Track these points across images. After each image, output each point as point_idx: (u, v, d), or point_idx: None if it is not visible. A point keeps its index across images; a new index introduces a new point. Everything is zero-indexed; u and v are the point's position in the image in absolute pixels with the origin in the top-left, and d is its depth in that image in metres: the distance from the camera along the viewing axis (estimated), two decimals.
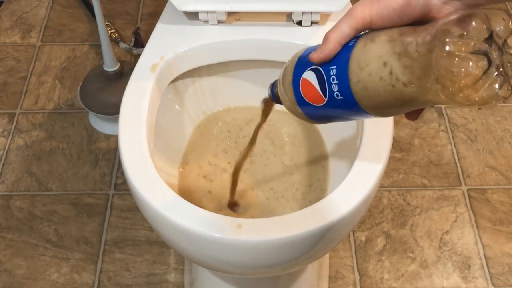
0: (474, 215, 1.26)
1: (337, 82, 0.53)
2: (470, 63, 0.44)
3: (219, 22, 1.00)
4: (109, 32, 1.57)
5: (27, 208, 1.28)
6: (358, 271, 1.18)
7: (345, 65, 0.52)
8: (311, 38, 0.97)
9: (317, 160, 1.02)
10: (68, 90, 1.50)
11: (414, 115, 0.55)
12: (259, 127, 0.83)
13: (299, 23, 0.99)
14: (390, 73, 0.49)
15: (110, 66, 1.35)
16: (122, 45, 1.56)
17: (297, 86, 0.58)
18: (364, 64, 0.50)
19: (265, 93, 1.10)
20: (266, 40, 0.98)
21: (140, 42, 1.55)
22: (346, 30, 0.52)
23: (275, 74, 1.00)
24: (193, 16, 1.00)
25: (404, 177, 1.32)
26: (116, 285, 1.16)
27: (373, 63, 0.50)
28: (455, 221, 1.25)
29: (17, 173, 1.33)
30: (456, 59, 0.44)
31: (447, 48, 0.44)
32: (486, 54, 0.44)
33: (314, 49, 0.56)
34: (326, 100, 0.55)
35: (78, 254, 1.21)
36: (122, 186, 1.31)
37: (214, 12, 0.98)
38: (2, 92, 1.50)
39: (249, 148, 0.88)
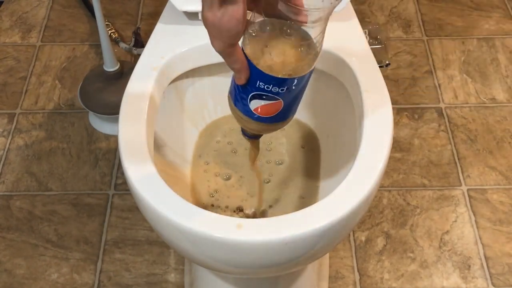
0: (474, 215, 1.26)
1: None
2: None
3: None
4: (109, 32, 1.57)
5: (27, 208, 1.28)
6: (358, 271, 1.18)
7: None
8: None
9: (316, 160, 1.02)
10: (68, 90, 1.50)
11: None
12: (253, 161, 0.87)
13: None
14: None
15: (110, 66, 1.35)
16: (122, 45, 1.56)
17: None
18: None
19: None
20: None
21: (140, 42, 1.55)
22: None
23: None
24: (193, 16, 1.00)
25: (404, 177, 1.32)
26: (116, 285, 1.16)
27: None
28: (455, 221, 1.25)
29: (17, 173, 1.33)
30: None
31: None
32: None
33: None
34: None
35: (78, 254, 1.21)
36: (122, 186, 1.31)
37: None
38: (2, 92, 1.50)
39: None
